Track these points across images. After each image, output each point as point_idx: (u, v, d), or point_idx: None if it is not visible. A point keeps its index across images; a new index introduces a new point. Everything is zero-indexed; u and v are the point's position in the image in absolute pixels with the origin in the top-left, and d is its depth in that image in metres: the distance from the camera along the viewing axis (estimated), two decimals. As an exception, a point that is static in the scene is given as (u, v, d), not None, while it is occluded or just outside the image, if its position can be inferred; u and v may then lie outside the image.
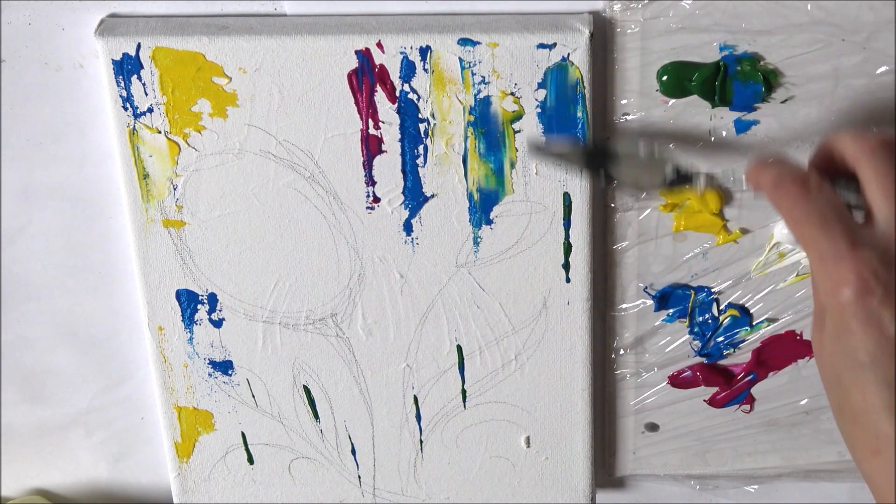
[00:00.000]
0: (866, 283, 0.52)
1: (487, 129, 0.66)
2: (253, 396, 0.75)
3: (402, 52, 0.64)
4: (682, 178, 0.63)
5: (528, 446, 0.76)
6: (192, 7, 0.66)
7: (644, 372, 0.75)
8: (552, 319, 0.72)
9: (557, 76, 0.64)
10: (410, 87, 0.65)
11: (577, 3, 0.65)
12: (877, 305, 0.52)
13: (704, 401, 0.76)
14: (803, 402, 0.76)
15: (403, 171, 0.68)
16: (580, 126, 0.66)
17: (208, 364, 0.74)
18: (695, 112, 0.66)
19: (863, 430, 0.54)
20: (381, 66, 0.65)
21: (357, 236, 0.70)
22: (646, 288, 0.72)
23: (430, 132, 0.66)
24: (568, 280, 0.70)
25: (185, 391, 0.75)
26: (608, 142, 0.65)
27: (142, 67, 0.65)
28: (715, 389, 0.76)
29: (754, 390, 0.76)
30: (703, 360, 0.75)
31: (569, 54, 0.64)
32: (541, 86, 0.65)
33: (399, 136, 0.67)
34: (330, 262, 0.71)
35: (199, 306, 0.72)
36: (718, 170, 0.64)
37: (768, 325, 0.73)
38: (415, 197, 0.68)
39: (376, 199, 0.69)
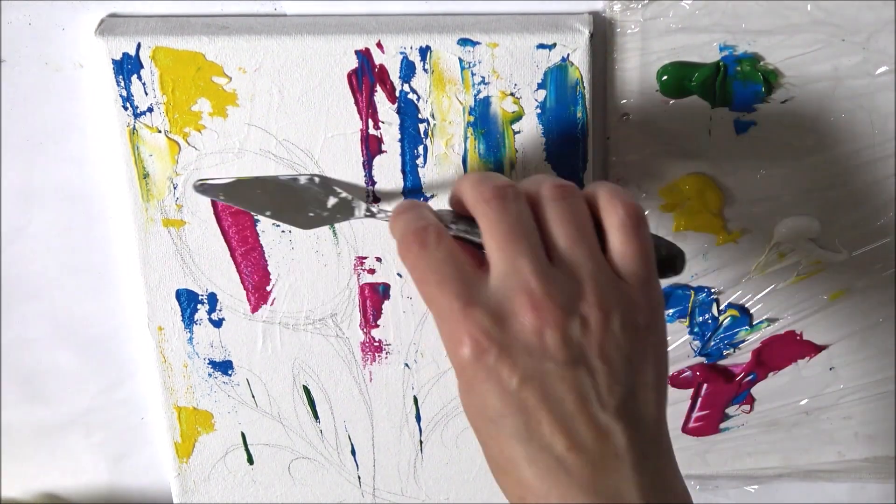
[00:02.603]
0: (479, 342, 0.53)
1: (487, 129, 0.66)
2: (253, 396, 0.75)
3: (401, 53, 0.64)
4: (344, 204, 0.65)
5: None
6: (192, 7, 0.66)
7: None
8: (552, 319, 0.72)
9: (557, 76, 0.64)
10: (410, 87, 0.65)
11: (577, 3, 0.65)
12: (493, 362, 0.53)
13: (683, 431, 0.77)
14: (803, 402, 0.76)
15: (403, 172, 0.68)
16: (580, 126, 0.66)
17: (208, 364, 0.74)
18: (695, 112, 0.66)
19: (509, 479, 0.55)
20: (381, 66, 0.65)
21: (357, 236, 0.70)
22: (646, 288, 0.72)
23: (429, 132, 0.66)
24: (568, 280, 0.70)
25: (185, 391, 0.75)
26: (275, 177, 0.67)
27: (142, 67, 0.65)
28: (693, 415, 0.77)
29: (754, 390, 0.76)
30: (703, 360, 0.75)
31: (569, 55, 0.64)
32: (541, 86, 0.65)
33: (399, 136, 0.67)
34: (330, 262, 0.71)
35: (199, 306, 0.72)
36: (375, 204, 0.66)
37: (768, 325, 0.73)
38: (415, 197, 0.68)
39: (376, 200, 0.69)
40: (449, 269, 0.54)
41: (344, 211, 0.65)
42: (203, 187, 0.66)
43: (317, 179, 0.65)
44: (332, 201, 0.65)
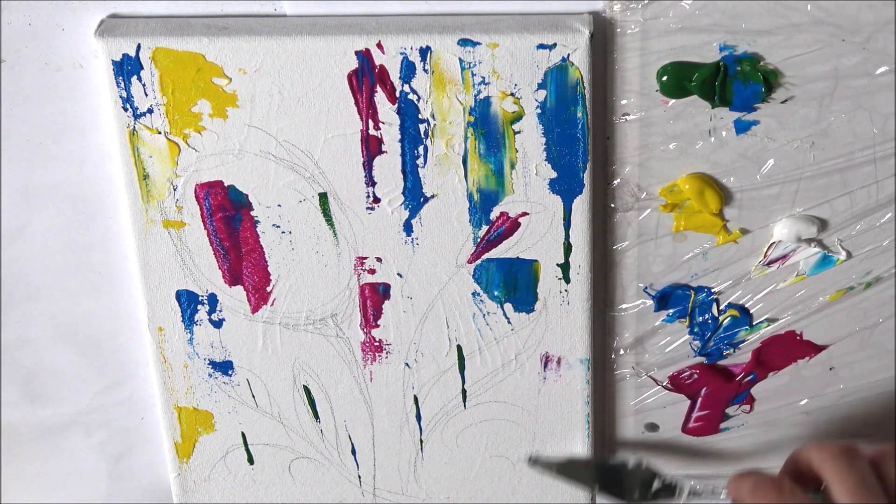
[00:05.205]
0: None
1: (487, 129, 0.66)
2: (253, 396, 0.76)
3: (402, 53, 0.64)
4: (668, 489, 0.70)
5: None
6: (192, 7, 0.66)
7: (644, 372, 0.75)
8: (552, 319, 0.72)
9: (557, 77, 0.64)
10: (410, 87, 0.65)
11: (577, 4, 0.65)
12: None
13: (683, 431, 0.77)
14: (803, 402, 0.76)
15: (403, 172, 0.68)
16: (580, 126, 0.66)
17: (208, 364, 0.74)
18: (695, 112, 0.66)
19: None
20: (381, 66, 0.65)
21: (357, 236, 0.70)
22: (646, 288, 0.72)
23: (430, 133, 0.66)
24: (568, 280, 0.70)
25: (185, 391, 0.75)
26: (602, 457, 0.73)
27: (142, 68, 0.65)
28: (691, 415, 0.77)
29: (754, 390, 0.76)
30: (703, 360, 0.75)
31: (569, 55, 0.64)
32: (541, 86, 0.65)
33: (399, 136, 0.67)
34: (330, 262, 0.71)
35: (199, 307, 0.72)
36: (700, 484, 0.70)
37: (768, 325, 0.73)
38: (415, 197, 0.68)
39: (376, 200, 0.69)
40: None
41: (667, 494, 0.70)
42: (537, 462, 0.73)
43: (644, 464, 0.70)
44: (656, 485, 0.70)
